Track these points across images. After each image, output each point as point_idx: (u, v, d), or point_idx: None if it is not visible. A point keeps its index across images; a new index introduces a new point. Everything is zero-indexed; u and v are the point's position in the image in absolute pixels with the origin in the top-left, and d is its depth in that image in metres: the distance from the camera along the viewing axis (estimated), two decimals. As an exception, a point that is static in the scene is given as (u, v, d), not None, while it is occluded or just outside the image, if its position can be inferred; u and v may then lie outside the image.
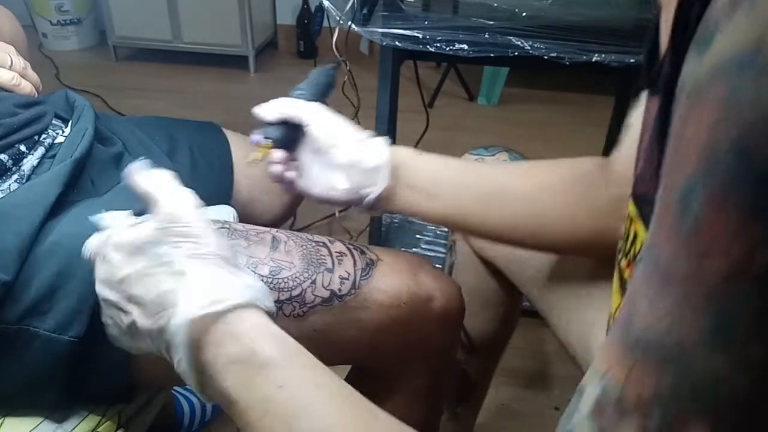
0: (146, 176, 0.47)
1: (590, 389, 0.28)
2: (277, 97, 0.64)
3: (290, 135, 0.63)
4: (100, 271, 0.46)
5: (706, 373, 0.23)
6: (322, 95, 0.68)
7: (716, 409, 0.23)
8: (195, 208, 0.45)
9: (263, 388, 0.38)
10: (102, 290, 0.46)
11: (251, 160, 0.62)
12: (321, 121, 0.62)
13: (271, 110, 0.62)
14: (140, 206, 0.48)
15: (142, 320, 0.43)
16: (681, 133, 0.24)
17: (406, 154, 0.63)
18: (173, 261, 0.43)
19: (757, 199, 0.21)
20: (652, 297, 0.25)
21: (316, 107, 0.63)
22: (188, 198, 0.46)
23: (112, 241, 0.46)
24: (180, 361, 0.41)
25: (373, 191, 0.61)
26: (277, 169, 0.63)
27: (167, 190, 0.46)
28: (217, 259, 0.43)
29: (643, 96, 0.52)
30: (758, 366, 0.22)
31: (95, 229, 0.56)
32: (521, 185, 0.63)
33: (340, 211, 1.70)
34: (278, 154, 0.63)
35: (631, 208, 0.44)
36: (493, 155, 0.82)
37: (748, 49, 0.21)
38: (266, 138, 0.62)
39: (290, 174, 0.64)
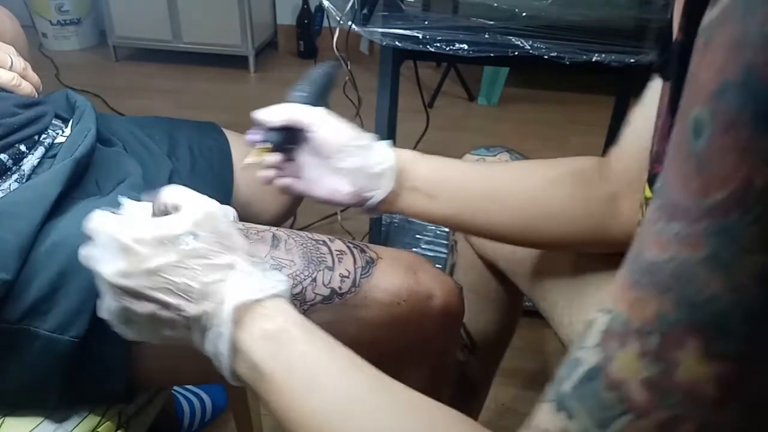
0: (169, 189, 0.50)
1: (597, 323, 0.30)
2: (276, 97, 0.65)
3: (290, 139, 0.63)
4: (121, 263, 0.47)
5: (704, 295, 0.24)
6: (323, 94, 0.68)
7: (710, 327, 0.25)
8: (219, 211, 0.49)
9: (288, 357, 0.43)
10: (120, 280, 0.47)
11: (247, 163, 0.61)
12: (325, 127, 0.63)
13: (274, 115, 0.62)
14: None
15: (185, 306, 0.46)
16: (696, 74, 0.26)
17: (408, 156, 0.64)
18: (210, 255, 0.47)
19: (758, 129, 0.22)
20: (659, 230, 0.27)
21: (320, 112, 0.63)
22: (213, 202, 0.50)
23: (134, 232, 0.47)
24: (220, 340, 0.45)
25: (376, 195, 0.63)
26: (269, 173, 0.64)
27: (192, 195, 0.49)
28: (247, 256, 0.49)
29: (653, 86, 0.54)
30: (749, 288, 0.24)
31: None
32: (522, 184, 0.64)
33: (341, 211, 1.70)
34: (273, 158, 0.63)
35: (647, 192, 0.45)
36: (495, 155, 0.82)
37: None
38: (265, 141, 0.61)
39: (284, 181, 0.65)
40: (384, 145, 0.64)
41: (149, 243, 0.47)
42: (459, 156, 0.90)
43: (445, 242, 1.60)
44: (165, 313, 0.47)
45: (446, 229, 1.64)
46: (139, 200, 0.64)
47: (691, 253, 0.25)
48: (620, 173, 0.63)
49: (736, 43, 0.24)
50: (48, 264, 0.56)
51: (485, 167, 0.66)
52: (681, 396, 0.25)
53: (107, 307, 0.49)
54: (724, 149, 0.24)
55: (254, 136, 0.62)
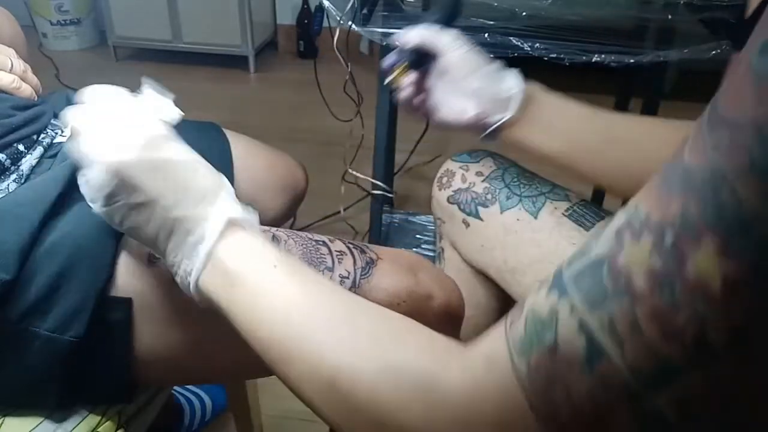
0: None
1: (614, 221, 0.30)
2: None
3: (423, 59, 0.68)
4: (131, 148, 0.48)
5: (734, 199, 0.24)
6: (454, 17, 0.72)
7: (732, 228, 0.24)
8: None
9: (264, 267, 0.44)
10: (124, 165, 0.47)
11: (389, 80, 0.68)
12: (457, 50, 0.66)
13: (410, 36, 0.67)
14: None
15: (176, 207, 0.46)
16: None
17: (536, 88, 0.67)
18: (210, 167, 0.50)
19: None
20: (702, 140, 0.27)
21: (452, 35, 0.67)
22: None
23: (149, 130, 0.51)
24: (201, 244, 0.45)
25: (501, 119, 0.65)
26: (409, 92, 0.68)
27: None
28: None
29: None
30: None
31: (96, 227, 0.56)
32: (640, 134, 0.65)
33: (344, 210, 1.70)
34: (411, 77, 0.68)
35: None
36: (478, 161, 0.82)
37: None
38: (399, 61, 0.67)
39: (420, 98, 0.69)
40: (514, 73, 0.67)
41: (161, 136, 0.50)
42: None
43: (445, 242, 1.60)
44: (147, 208, 0.47)
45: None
46: None
47: (730, 161, 0.25)
48: None
49: None
50: (47, 264, 0.56)
51: (610, 117, 0.68)
52: (683, 288, 0.25)
53: (92, 179, 0.48)
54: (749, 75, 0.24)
55: (389, 59, 0.68)
